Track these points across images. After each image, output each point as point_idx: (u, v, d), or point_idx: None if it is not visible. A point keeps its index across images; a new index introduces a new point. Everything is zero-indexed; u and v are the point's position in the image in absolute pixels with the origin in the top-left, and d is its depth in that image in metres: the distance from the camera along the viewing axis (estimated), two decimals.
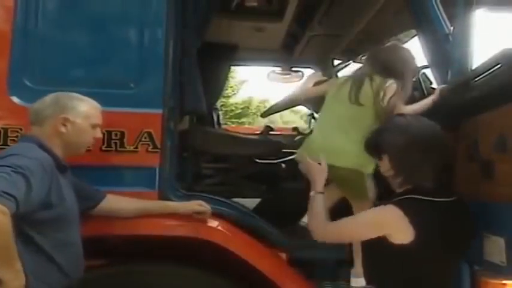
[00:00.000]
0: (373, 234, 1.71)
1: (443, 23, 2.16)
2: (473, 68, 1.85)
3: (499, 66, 1.63)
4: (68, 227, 1.79)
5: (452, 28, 2.10)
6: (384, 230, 1.68)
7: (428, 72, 2.38)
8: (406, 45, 3.33)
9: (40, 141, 1.79)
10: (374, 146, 1.84)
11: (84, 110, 1.88)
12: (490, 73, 1.68)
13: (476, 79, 1.78)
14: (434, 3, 2.20)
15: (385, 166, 1.81)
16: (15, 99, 2.06)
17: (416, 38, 2.61)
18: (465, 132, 1.84)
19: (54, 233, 1.72)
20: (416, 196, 1.69)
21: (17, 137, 2.01)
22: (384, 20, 3.07)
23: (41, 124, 1.84)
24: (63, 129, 1.83)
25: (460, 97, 1.84)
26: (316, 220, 1.92)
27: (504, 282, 1.59)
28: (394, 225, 1.66)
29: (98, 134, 1.94)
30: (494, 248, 1.63)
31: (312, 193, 1.98)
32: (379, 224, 1.70)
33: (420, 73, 2.20)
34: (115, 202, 2.04)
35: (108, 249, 2.21)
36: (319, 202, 1.95)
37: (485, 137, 1.71)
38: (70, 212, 1.81)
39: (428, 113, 1.97)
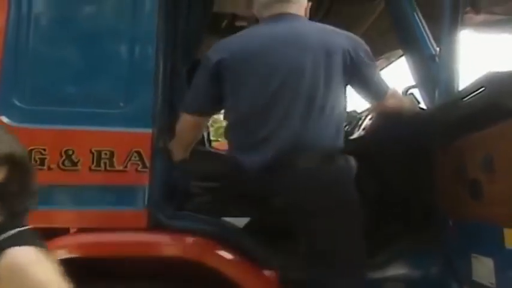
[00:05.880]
0: None
1: (429, 44, 2.19)
2: (460, 90, 1.88)
3: (482, 89, 1.65)
4: None
5: (438, 49, 2.14)
6: None
7: (416, 92, 2.41)
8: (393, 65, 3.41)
9: None
10: None
11: None
12: (474, 96, 1.70)
13: (463, 100, 1.80)
14: (419, 23, 2.24)
15: None
16: (4, 119, 2.04)
17: (403, 57, 2.64)
18: (453, 152, 1.86)
19: None
20: None
21: None
22: (371, 40, 3.10)
23: None
24: None
25: (447, 117, 1.86)
26: None
27: None
28: None
29: None
30: (483, 268, 1.64)
31: None
32: None
33: (408, 93, 2.23)
34: None
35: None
36: None
37: (472, 157, 1.73)
38: None
39: (416, 133, 1.98)
